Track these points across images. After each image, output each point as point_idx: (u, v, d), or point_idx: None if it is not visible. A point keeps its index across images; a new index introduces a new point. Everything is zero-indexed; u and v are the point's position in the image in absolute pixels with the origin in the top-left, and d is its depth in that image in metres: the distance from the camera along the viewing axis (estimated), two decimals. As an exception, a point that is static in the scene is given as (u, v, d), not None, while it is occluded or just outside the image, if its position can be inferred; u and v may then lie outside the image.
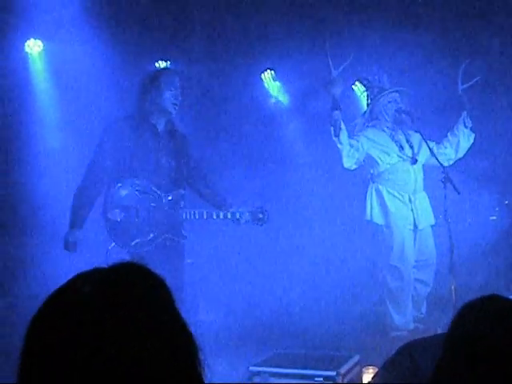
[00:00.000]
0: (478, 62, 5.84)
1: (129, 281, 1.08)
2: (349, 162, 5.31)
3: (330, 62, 5.15)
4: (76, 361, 0.98)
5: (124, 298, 1.04)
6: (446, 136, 5.48)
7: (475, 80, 5.41)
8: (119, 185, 4.31)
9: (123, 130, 4.37)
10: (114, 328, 1.00)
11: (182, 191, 4.51)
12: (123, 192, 4.31)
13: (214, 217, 4.54)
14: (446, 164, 5.37)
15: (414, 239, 5.42)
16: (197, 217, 4.48)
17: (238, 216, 4.58)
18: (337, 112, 5.15)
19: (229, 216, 4.57)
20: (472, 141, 5.49)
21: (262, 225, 4.71)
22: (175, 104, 4.43)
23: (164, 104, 4.40)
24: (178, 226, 4.46)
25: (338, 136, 5.18)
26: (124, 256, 4.25)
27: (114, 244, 4.30)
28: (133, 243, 4.30)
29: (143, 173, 4.35)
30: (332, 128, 5.18)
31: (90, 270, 1.10)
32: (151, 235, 4.35)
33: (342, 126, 5.19)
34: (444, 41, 6.44)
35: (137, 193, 4.33)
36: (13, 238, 5.54)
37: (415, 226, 5.39)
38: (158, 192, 4.39)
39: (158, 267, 1.15)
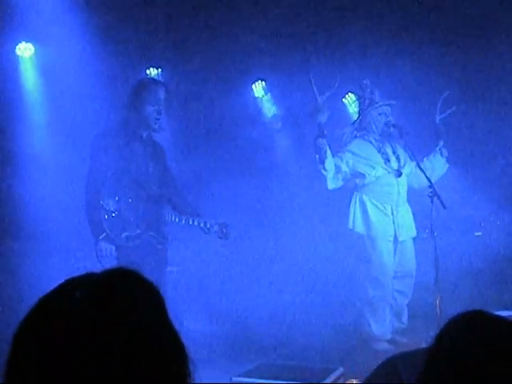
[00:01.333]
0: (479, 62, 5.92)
1: (121, 286, 1.07)
2: (333, 185, 5.41)
3: (315, 90, 5.17)
4: (65, 366, 0.97)
5: (115, 303, 1.03)
6: (422, 161, 5.52)
7: (451, 110, 5.54)
8: (111, 181, 4.44)
9: (114, 139, 4.49)
10: (104, 334, 0.99)
11: (166, 194, 4.68)
12: (115, 187, 4.43)
13: (190, 223, 4.71)
14: (416, 187, 5.54)
15: (394, 251, 5.46)
16: (176, 220, 4.66)
17: (208, 226, 4.76)
18: (322, 140, 5.20)
19: (201, 225, 4.74)
20: (445, 170, 5.62)
21: (223, 239, 4.90)
22: (157, 119, 4.55)
23: (146, 118, 4.53)
24: (162, 226, 4.61)
25: (323, 163, 5.23)
26: (111, 250, 4.35)
27: (104, 234, 4.35)
28: (123, 235, 4.42)
29: (134, 175, 4.50)
30: (317, 156, 5.22)
31: (82, 275, 1.09)
32: (138, 231, 4.48)
33: (328, 153, 5.23)
34: (436, 57, 6.49)
35: (126, 189, 4.45)
36: (3, 242, 5.51)
37: (395, 237, 5.44)
38: (147, 191, 4.53)
39: (142, 269, 1.15)
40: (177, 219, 4.65)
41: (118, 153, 4.45)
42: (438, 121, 5.56)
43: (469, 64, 6.54)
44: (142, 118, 4.52)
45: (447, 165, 5.60)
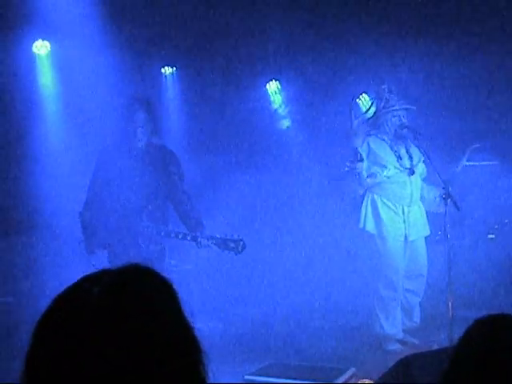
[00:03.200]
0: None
1: (137, 283, 1.09)
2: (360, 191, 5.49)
3: (353, 116, 5.19)
4: (83, 362, 0.98)
5: (132, 299, 1.05)
6: (426, 182, 5.43)
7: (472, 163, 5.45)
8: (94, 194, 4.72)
9: (108, 154, 4.74)
10: (122, 329, 1.01)
11: (149, 207, 4.69)
12: (96, 200, 4.68)
13: (172, 235, 4.63)
14: (425, 197, 5.50)
15: (405, 250, 5.45)
16: (154, 232, 4.64)
17: (198, 240, 4.58)
18: (360, 164, 5.21)
19: (188, 238, 4.60)
20: (438, 211, 5.33)
21: (235, 254, 4.61)
22: (137, 139, 4.68)
23: (128, 136, 4.70)
24: (134, 237, 4.63)
25: (362, 186, 5.29)
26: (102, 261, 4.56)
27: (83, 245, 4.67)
28: (96, 243, 4.63)
29: (122, 188, 4.65)
30: (356, 177, 5.24)
31: (98, 272, 1.10)
32: (109, 241, 4.64)
33: (364, 174, 5.26)
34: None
35: (106, 202, 4.65)
36: (13, 237, 5.55)
37: (405, 237, 5.42)
38: (123, 205, 4.64)
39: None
40: (163, 233, 4.64)
41: (106, 167, 4.66)
42: (459, 169, 5.37)
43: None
44: (124, 137, 4.71)
45: (442, 210, 5.11)
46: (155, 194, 4.73)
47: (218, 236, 4.56)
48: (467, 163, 5.41)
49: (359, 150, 5.23)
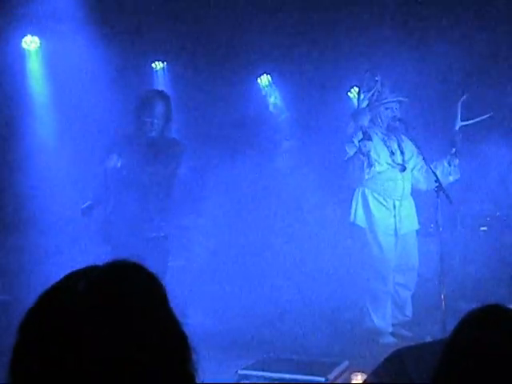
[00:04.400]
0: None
1: (123, 278, 1.07)
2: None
3: (361, 96, 5.19)
4: (69, 359, 0.97)
5: (118, 295, 1.04)
6: (431, 162, 5.28)
7: (481, 118, 5.25)
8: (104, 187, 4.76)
9: (118, 146, 4.79)
10: (108, 326, 1.00)
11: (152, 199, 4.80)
12: (109, 191, 4.74)
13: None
14: (422, 188, 5.49)
15: (396, 244, 5.45)
16: (156, 224, 4.81)
17: None
18: (369, 143, 5.15)
19: None
20: (453, 179, 5.34)
21: None
22: (152, 130, 4.77)
23: (143, 128, 4.77)
24: (136, 229, 4.72)
25: (371, 167, 5.24)
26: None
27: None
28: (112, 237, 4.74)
29: (125, 180, 4.71)
30: (366, 158, 5.17)
31: (85, 268, 1.09)
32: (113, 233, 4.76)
33: (372, 155, 5.22)
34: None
35: (115, 194, 4.74)
36: (10, 236, 5.53)
37: (396, 231, 5.42)
38: (131, 196, 4.72)
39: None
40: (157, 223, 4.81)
41: (115, 158, 4.69)
42: (457, 128, 5.25)
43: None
44: (139, 126, 4.78)
45: (451, 177, 5.29)
46: (159, 186, 4.78)
47: None
48: (463, 123, 5.26)
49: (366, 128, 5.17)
